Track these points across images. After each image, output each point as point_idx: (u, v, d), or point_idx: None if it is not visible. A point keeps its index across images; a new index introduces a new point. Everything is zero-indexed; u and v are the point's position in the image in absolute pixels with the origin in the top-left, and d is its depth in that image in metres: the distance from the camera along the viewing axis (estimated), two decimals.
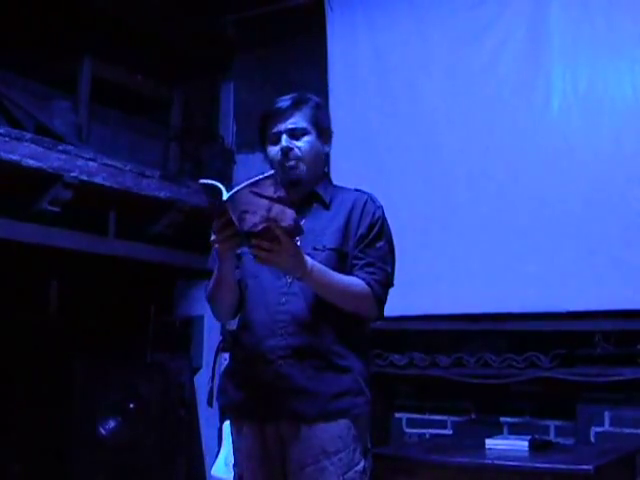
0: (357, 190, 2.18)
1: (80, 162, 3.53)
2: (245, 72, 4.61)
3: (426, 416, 3.70)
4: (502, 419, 3.49)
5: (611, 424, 3.21)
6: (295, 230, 1.81)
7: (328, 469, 1.96)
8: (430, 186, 3.67)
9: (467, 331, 3.52)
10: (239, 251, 2.04)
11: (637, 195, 3.20)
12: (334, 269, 1.99)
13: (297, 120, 2.11)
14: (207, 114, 4.61)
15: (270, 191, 1.75)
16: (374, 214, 2.10)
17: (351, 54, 4.00)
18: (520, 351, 3.37)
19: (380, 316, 2.10)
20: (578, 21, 3.40)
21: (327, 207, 2.12)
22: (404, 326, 3.60)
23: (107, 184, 3.65)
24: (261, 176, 1.76)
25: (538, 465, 2.70)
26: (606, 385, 3.19)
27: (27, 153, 3.30)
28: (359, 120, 3.88)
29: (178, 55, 4.35)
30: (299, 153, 2.09)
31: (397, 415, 3.76)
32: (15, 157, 3.26)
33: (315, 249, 2.02)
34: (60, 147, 3.46)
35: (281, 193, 1.77)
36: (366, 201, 2.11)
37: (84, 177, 3.53)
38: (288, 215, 1.78)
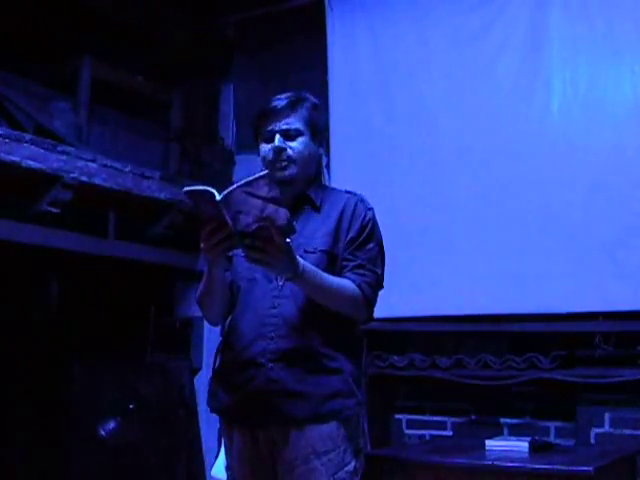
0: (348, 192, 2.17)
1: (80, 163, 3.53)
2: (245, 73, 4.60)
3: (426, 417, 3.70)
4: (502, 420, 3.49)
5: (611, 425, 3.21)
6: (288, 230, 1.81)
7: (318, 469, 1.96)
8: (430, 186, 3.66)
9: (467, 332, 3.52)
10: (230, 253, 2.03)
11: (637, 196, 3.20)
12: (324, 271, 1.98)
13: (292, 121, 2.10)
14: (207, 115, 4.61)
15: (264, 191, 1.75)
16: (365, 216, 2.10)
17: (351, 54, 3.99)
18: (520, 352, 3.37)
19: (369, 317, 2.10)
20: (578, 22, 3.40)
21: (318, 210, 2.12)
22: (404, 327, 3.60)
23: (107, 185, 3.65)
24: (254, 176, 1.76)
25: (538, 466, 2.69)
26: (606, 386, 3.18)
27: (27, 154, 3.31)
28: (359, 120, 3.88)
29: (178, 56, 4.35)
30: (291, 154, 2.08)
31: (397, 416, 3.76)
32: (15, 158, 3.26)
33: (306, 251, 2.02)
34: (60, 148, 3.46)
35: (274, 193, 1.76)
36: (357, 203, 2.11)
37: (84, 178, 3.53)
38: (281, 215, 1.78)
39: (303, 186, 2.13)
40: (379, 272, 2.08)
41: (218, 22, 4.59)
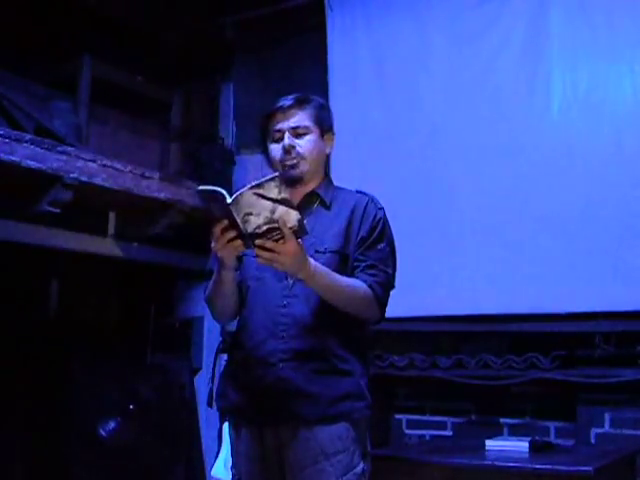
0: (359, 192, 2.18)
1: (80, 163, 3.52)
2: (245, 73, 4.61)
3: (426, 417, 3.70)
4: (502, 420, 3.49)
5: (611, 425, 3.21)
6: (299, 231, 1.82)
7: (327, 470, 1.97)
8: (430, 186, 3.66)
9: (467, 332, 3.52)
10: (240, 253, 2.04)
11: (637, 196, 3.20)
12: (335, 271, 1.99)
13: (300, 119, 2.11)
14: (207, 115, 4.61)
15: (274, 193, 1.76)
16: (375, 216, 2.10)
17: (351, 54, 4.00)
18: (520, 352, 3.37)
19: (381, 318, 2.10)
20: (578, 22, 3.40)
21: (328, 209, 2.13)
22: (404, 327, 3.60)
23: (107, 185, 3.64)
24: (265, 178, 1.77)
25: (538, 466, 2.69)
26: (606, 386, 3.18)
27: (27, 154, 3.30)
28: (359, 120, 3.87)
29: (178, 56, 4.35)
30: (301, 151, 2.09)
31: (397, 416, 3.76)
32: (15, 158, 3.25)
33: (317, 251, 2.03)
34: (60, 148, 3.45)
35: (285, 194, 1.77)
36: (367, 203, 2.12)
37: (84, 178, 3.52)
38: (292, 216, 1.79)
39: (313, 184, 2.14)
40: (390, 272, 2.09)
41: (218, 22, 4.59)
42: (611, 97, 3.32)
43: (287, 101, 2.12)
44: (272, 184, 1.76)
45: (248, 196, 1.75)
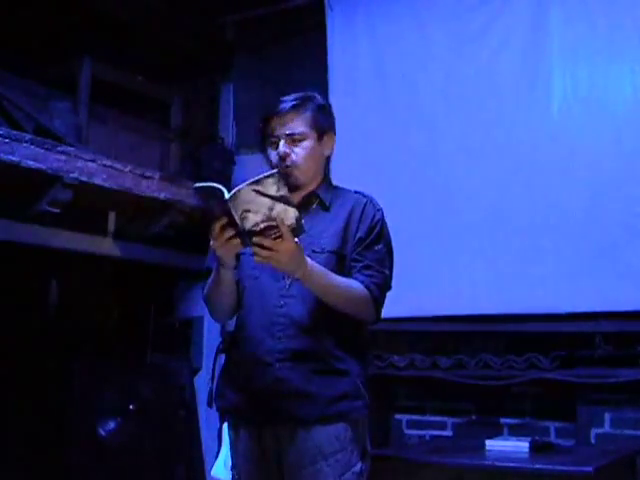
0: (357, 192, 2.17)
1: (80, 163, 3.52)
2: (245, 73, 4.61)
3: (426, 417, 3.70)
4: (502, 420, 3.49)
5: (611, 425, 3.21)
6: (297, 229, 1.81)
7: (325, 470, 1.96)
8: (429, 187, 3.66)
9: (467, 332, 3.52)
10: (239, 251, 2.04)
11: (637, 196, 3.20)
12: (333, 271, 1.99)
13: (296, 125, 2.09)
14: (207, 115, 4.61)
15: (273, 190, 1.75)
16: (373, 217, 2.10)
17: (351, 54, 4.00)
18: (520, 352, 3.37)
19: (377, 319, 2.10)
20: (578, 21, 3.40)
21: (327, 209, 2.12)
22: (404, 327, 3.60)
23: (107, 185, 3.64)
24: (264, 174, 1.76)
25: (538, 466, 2.70)
26: (606, 386, 3.19)
27: (27, 154, 3.30)
28: (359, 120, 3.87)
29: (178, 56, 4.35)
30: (295, 159, 2.08)
31: (397, 416, 3.76)
32: (15, 158, 3.25)
33: (314, 251, 2.02)
34: (60, 148, 3.45)
35: (283, 192, 1.76)
36: (366, 204, 2.11)
37: (84, 178, 3.53)
38: (290, 214, 1.78)
39: (312, 186, 2.14)
40: (387, 273, 2.08)
41: (218, 22, 4.59)
42: (611, 96, 3.32)
43: (284, 105, 2.10)
44: (271, 181, 1.75)
45: (246, 193, 1.75)
